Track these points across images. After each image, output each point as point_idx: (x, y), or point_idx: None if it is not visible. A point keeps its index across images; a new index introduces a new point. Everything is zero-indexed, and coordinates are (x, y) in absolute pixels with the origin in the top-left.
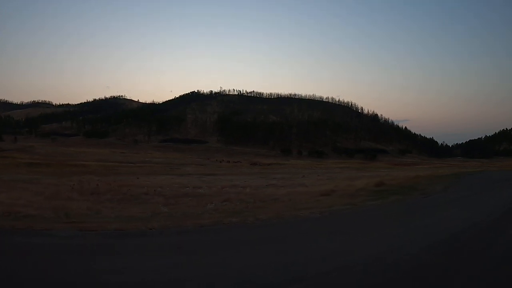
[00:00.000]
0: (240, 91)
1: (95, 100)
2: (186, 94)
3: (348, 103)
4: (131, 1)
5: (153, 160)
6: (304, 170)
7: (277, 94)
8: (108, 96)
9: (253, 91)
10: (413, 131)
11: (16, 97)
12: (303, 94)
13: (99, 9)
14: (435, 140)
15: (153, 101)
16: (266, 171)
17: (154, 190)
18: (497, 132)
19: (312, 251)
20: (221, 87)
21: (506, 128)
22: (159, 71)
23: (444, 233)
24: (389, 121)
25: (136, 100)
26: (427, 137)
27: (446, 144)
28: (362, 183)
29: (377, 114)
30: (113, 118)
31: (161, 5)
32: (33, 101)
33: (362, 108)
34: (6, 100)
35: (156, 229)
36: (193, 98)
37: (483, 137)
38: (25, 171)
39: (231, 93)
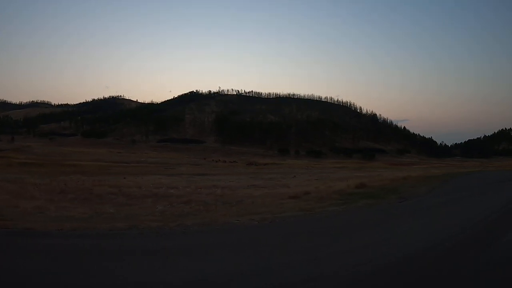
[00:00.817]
0: (238, 91)
1: (94, 100)
2: (185, 94)
3: (347, 103)
4: (131, 1)
5: (148, 160)
6: (299, 170)
7: (276, 94)
8: (107, 96)
9: (252, 91)
10: (412, 131)
11: (15, 97)
12: (302, 94)
13: (99, 10)
14: (434, 140)
15: (151, 101)
16: (259, 171)
17: (119, 190)
18: (496, 131)
19: (188, 271)
20: (219, 87)
21: (505, 128)
22: (158, 71)
23: (385, 258)
24: (388, 121)
25: (135, 100)
26: (426, 137)
27: (445, 144)
28: (343, 185)
29: (376, 114)
30: (112, 118)
31: (161, 6)
32: (32, 101)
33: (361, 108)
34: (5, 100)
35: (64, 230)
36: (192, 98)
37: (482, 137)
38: (17, 170)
39: (229, 93)
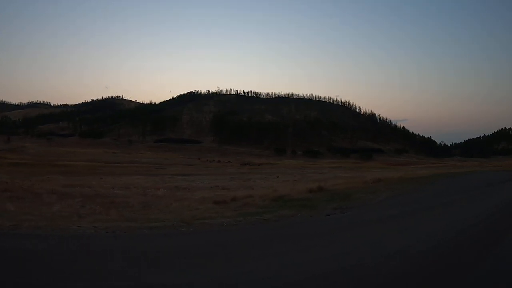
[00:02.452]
0: (237, 91)
1: (93, 100)
2: (184, 94)
3: (346, 102)
4: (131, 2)
5: (141, 160)
6: (290, 170)
7: (275, 94)
8: (106, 96)
9: (251, 91)
10: (412, 130)
11: (15, 98)
12: (301, 94)
13: (99, 10)
14: (433, 139)
15: (150, 101)
16: (248, 172)
17: (68, 190)
18: (495, 131)
19: None
20: (218, 87)
21: (505, 128)
22: (158, 71)
23: None
24: (387, 120)
25: (134, 100)
26: (426, 136)
27: (445, 144)
28: (302, 188)
29: (375, 114)
30: (110, 118)
31: (160, 6)
32: (32, 101)
33: (360, 108)
34: (5, 101)
35: None
36: (191, 98)
37: (481, 137)
38: (5, 171)
39: (228, 93)
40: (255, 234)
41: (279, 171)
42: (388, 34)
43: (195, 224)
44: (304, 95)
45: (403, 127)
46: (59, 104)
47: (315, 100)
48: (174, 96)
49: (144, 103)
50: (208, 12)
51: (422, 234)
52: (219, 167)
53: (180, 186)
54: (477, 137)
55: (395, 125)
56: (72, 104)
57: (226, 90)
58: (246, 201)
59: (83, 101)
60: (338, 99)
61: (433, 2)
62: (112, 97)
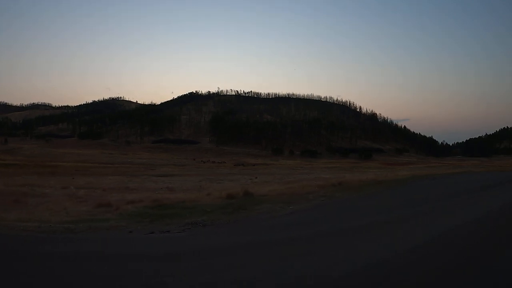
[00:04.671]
0: (237, 91)
1: (94, 101)
2: (184, 95)
3: (346, 102)
4: (133, 4)
5: (135, 161)
6: (282, 170)
7: (275, 94)
8: (107, 97)
9: (251, 91)
10: (413, 130)
11: (16, 100)
12: (301, 94)
13: (102, 11)
14: (434, 139)
15: (151, 102)
16: (237, 172)
17: (24, 189)
18: (498, 130)
19: None
20: (218, 88)
21: (507, 126)
22: (160, 72)
23: None
24: (388, 120)
25: (135, 101)
26: (427, 136)
27: (446, 143)
28: (236, 190)
29: (375, 113)
30: (108, 119)
31: (160, 7)
32: (33, 103)
33: (360, 107)
34: (6, 103)
35: None
36: (191, 99)
37: (484, 136)
38: None
39: (228, 93)
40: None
41: (270, 171)
42: (389, 34)
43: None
44: (305, 95)
45: (404, 126)
46: (60, 105)
47: (315, 100)
48: (175, 97)
49: (144, 104)
50: (211, 13)
51: None
52: (211, 167)
53: (130, 187)
54: (479, 136)
55: (396, 125)
56: (73, 105)
57: (226, 91)
58: (125, 207)
59: (84, 103)
60: (339, 99)
61: (434, 2)
62: (113, 98)
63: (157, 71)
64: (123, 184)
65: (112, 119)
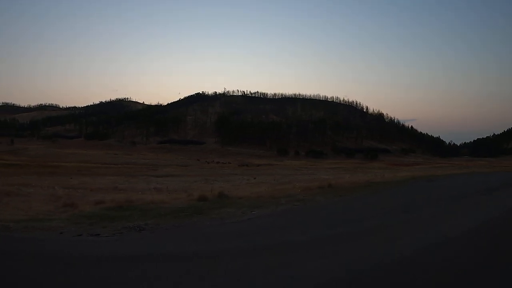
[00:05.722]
0: (244, 92)
1: (101, 102)
2: (191, 95)
3: (353, 102)
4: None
5: (139, 161)
6: (284, 171)
7: (282, 94)
8: (114, 98)
9: (257, 91)
10: (420, 130)
11: (24, 101)
12: (308, 94)
13: (107, 12)
14: (441, 139)
15: (158, 103)
16: (240, 172)
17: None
18: (506, 130)
19: None
20: (224, 88)
21: None
22: (167, 73)
23: None
24: (395, 120)
25: (142, 102)
26: (435, 136)
27: (454, 143)
28: (208, 192)
29: (382, 113)
30: (114, 120)
31: (168, 7)
32: (40, 104)
33: (367, 107)
34: (13, 104)
35: None
36: (197, 100)
37: (491, 136)
38: None
39: (235, 94)
40: None
41: (272, 172)
42: (397, 34)
43: None
44: (311, 95)
45: (411, 126)
46: (67, 106)
47: (322, 100)
48: (182, 97)
49: (151, 105)
50: (217, 13)
51: None
52: (214, 168)
53: (119, 187)
54: (486, 136)
55: (403, 125)
56: (80, 106)
57: (233, 91)
58: (84, 208)
59: (91, 104)
60: (346, 99)
61: (441, 2)
62: (120, 99)
63: (164, 72)
64: (114, 184)
65: (118, 120)
